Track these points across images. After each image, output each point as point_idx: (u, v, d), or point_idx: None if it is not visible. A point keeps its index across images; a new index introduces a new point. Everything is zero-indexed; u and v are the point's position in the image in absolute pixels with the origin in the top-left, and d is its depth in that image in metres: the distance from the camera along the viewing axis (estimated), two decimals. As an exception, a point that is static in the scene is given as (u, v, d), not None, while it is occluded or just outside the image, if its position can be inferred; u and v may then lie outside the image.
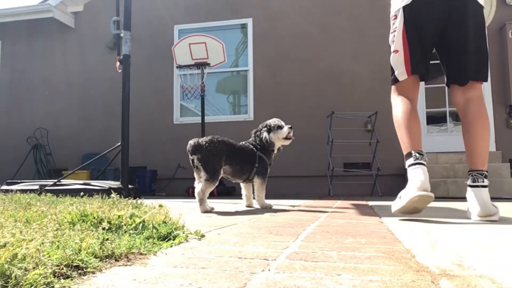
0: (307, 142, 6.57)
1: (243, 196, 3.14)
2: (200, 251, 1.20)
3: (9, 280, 0.75)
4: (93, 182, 4.64)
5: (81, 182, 4.85)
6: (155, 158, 7.29)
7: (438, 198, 5.26)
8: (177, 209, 2.29)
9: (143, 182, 6.86)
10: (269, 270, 0.97)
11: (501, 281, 0.86)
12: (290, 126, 3.05)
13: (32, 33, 8.27)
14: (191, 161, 2.73)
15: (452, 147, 6.35)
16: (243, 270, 0.96)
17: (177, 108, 7.52)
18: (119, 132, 4.56)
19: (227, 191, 6.27)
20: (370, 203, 3.84)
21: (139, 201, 2.63)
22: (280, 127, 3.01)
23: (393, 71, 2.36)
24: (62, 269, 0.88)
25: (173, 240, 1.34)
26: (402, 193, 2.12)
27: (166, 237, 1.35)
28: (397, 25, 2.27)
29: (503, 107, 6.26)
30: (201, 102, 6.46)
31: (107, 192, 3.64)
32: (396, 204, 2.13)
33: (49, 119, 7.88)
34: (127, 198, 2.68)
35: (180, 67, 6.51)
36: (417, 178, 2.04)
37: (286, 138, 3.03)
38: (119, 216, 1.51)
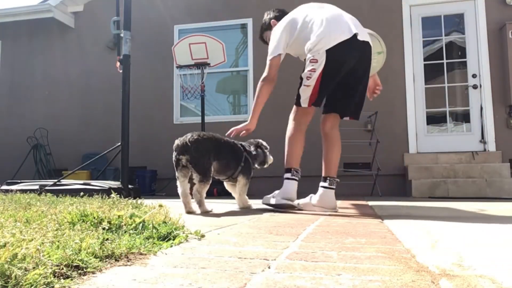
0: (307, 142, 6.55)
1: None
2: (200, 251, 1.20)
3: (9, 280, 0.75)
4: (93, 182, 4.64)
5: (81, 182, 4.85)
6: (155, 158, 7.28)
7: (438, 198, 5.25)
8: (177, 209, 2.29)
9: (143, 182, 6.86)
10: (269, 269, 0.97)
11: (501, 281, 0.86)
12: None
13: (32, 33, 8.27)
14: (176, 160, 2.63)
15: (452, 147, 6.35)
16: (243, 270, 0.96)
17: (177, 108, 7.51)
18: (119, 132, 4.55)
19: (227, 191, 6.26)
20: (370, 203, 3.84)
21: (139, 201, 2.63)
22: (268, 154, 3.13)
23: (298, 97, 2.87)
24: (62, 269, 0.88)
25: (173, 240, 1.34)
26: (276, 193, 2.88)
27: (166, 237, 1.35)
28: (315, 67, 2.69)
29: (503, 107, 6.25)
30: (201, 102, 6.46)
31: (107, 192, 3.64)
32: (270, 200, 2.90)
33: (49, 119, 7.87)
34: (127, 198, 2.68)
35: (180, 67, 6.51)
36: (289, 189, 2.82)
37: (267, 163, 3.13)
38: (119, 216, 1.51)
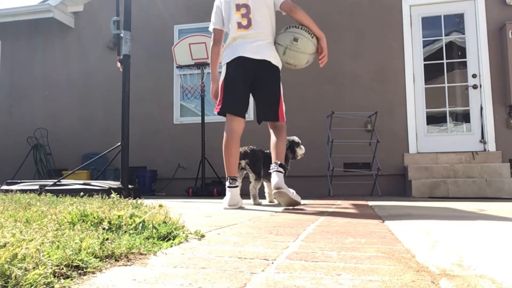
0: (307, 142, 6.55)
1: (266, 194, 3.78)
2: (200, 251, 1.20)
3: (9, 280, 0.75)
4: (93, 182, 4.63)
5: (81, 182, 4.85)
6: (155, 158, 7.29)
7: (438, 198, 5.25)
8: (177, 209, 2.29)
9: (143, 182, 6.86)
10: (269, 270, 0.97)
11: (501, 281, 0.86)
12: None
13: (32, 33, 8.27)
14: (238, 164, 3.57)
15: (452, 147, 6.35)
16: (243, 270, 0.96)
17: (177, 108, 7.51)
18: (119, 132, 4.55)
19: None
20: (370, 203, 3.84)
21: (139, 201, 2.63)
22: (300, 144, 3.86)
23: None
24: (62, 269, 0.88)
25: (173, 240, 1.34)
26: (225, 199, 3.05)
27: (166, 237, 1.35)
28: (221, 78, 3.21)
29: (503, 107, 6.25)
30: (201, 102, 6.46)
31: (107, 192, 3.64)
32: (224, 203, 3.06)
33: (49, 119, 7.87)
34: (127, 198, 2.68)
35: (180, 67, 6.51)
36: (228, 197, 3.01)
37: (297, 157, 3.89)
38: (119, 216, 1.51)
